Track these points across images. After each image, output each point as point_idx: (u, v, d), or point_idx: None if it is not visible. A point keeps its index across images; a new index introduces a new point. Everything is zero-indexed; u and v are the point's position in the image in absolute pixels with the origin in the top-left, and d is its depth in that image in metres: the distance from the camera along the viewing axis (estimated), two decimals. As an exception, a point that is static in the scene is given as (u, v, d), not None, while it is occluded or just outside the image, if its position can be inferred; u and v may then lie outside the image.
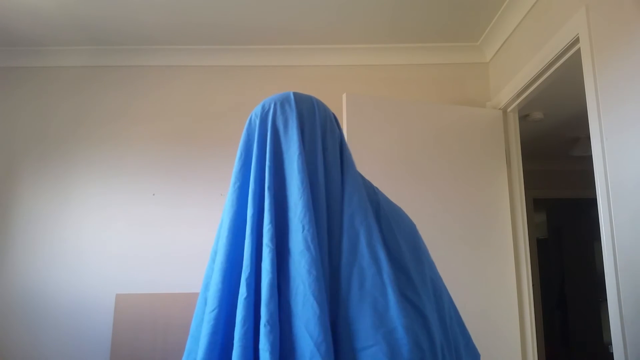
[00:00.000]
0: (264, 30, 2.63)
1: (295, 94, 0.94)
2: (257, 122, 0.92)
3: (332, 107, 2.97)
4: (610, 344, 1.59)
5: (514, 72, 2.41)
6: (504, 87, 2.54)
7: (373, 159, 2.27)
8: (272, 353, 0.72)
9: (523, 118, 3.48)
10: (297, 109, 0.92)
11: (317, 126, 0.92)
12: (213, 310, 0.80)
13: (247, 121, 0.94)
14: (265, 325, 0.74)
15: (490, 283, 2.34)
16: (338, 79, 2.79)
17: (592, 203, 1.82)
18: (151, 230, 2.59)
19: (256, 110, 0.94)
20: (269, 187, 0.84)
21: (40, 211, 2.62)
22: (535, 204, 5.07)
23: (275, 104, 0.92)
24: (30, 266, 2.55)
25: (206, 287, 0.87)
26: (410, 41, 2.76)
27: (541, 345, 4.53)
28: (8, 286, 2.53)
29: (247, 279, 0.79)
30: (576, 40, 1.84)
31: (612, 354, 1.58)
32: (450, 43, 2.78)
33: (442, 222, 2.32)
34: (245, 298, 0.77)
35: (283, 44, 2.78)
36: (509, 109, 2.57)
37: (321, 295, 0.75)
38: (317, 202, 0.84)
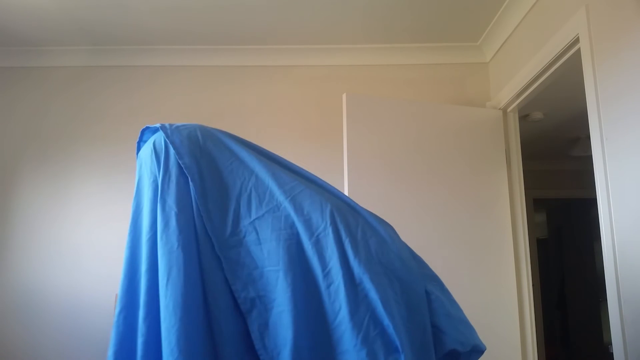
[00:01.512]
0: (264, 31, 2.63)
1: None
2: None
3: (332, 107, 2.97)
4: (610, 344, 1.59)
5: (514, 72, 2.41)
6: (504, 87, 2.54)
7: (373, 159, 2.27)
8: None
9: (523, 118, 3.48)
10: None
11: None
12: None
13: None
14: None
15: (490, 283, 2.34)
16: (338, 79, 2.79)
17: (592, 203, 1.82)
18: (151, 230, 2.59)
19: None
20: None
21: (39, 210, 2.62)
22: (535, 204, 5.06)
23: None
24: (29, 266, 2.55)
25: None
26: (410, 41, 2.76)
27: (541, 345, 4.53)
28: (7, 286, 2.53)
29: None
30: (576, 40, 1.84)
31: (612, 354, 1.58)
32: (450, 43, 2.78)
33: (442, 221, 2.31)
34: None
35: (283, 44, 2.77)
36: (509, 109, 2.57)
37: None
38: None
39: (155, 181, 0.88)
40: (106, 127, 2.73)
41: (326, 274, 0.81)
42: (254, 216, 0.87)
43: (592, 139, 1.70)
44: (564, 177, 4.92)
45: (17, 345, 2.46)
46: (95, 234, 2.59)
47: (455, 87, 2.79)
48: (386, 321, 0.78)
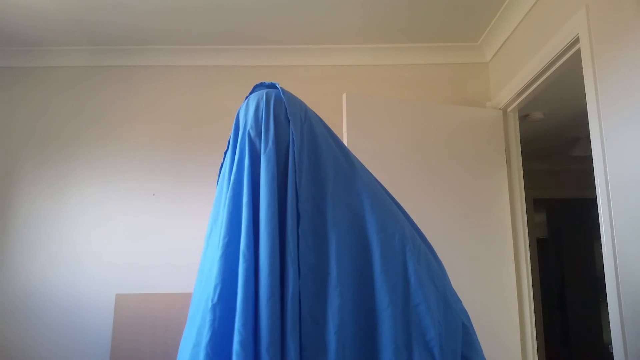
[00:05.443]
0: (263, 30, 2.63)
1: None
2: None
3: (332, 107, 2.98)
4: (610, 344, 1.59)
5: (514, 72, 2.41)
6: (504, 87, 2.54)
7: (372, 159, 2.26)
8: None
9: (523, 118, 3.48)
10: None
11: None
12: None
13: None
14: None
15: (490, 283, 2.34)
16: (338, 79, 2.79)
17: (592, 203, 1.82)
18: (151, 230, 2.59)
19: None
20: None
21: (39, 211, 2.62)
22: (535, 204, 5.07)
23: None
24: (29, 266, 2.55)
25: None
26: (410, 41, 2.76)
27: (541, 346, 4.53)
28: (7, 287, 2.53)
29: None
30: (576, 40, 1.84)
31: (612, 354, 1.58)
32: (450, 43, 2.78)
33: (441, 222, 2.32)
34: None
35: (283, 44, 2.77)
36: (509, 109, 2.57)
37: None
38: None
39: (260, 124, 0.90)
40: (106, 127, 2.73)
41: (383, 270, 0.84)
42: (333, 191, 0.89)
43: (592, 139, 1.70)
44: (564, 177, 4.93)
45: (18, 346, 2.46)
46: (97, 235, 2.59)
47: (455, 87, 2.79)
48: (430, 335, 0.82)
